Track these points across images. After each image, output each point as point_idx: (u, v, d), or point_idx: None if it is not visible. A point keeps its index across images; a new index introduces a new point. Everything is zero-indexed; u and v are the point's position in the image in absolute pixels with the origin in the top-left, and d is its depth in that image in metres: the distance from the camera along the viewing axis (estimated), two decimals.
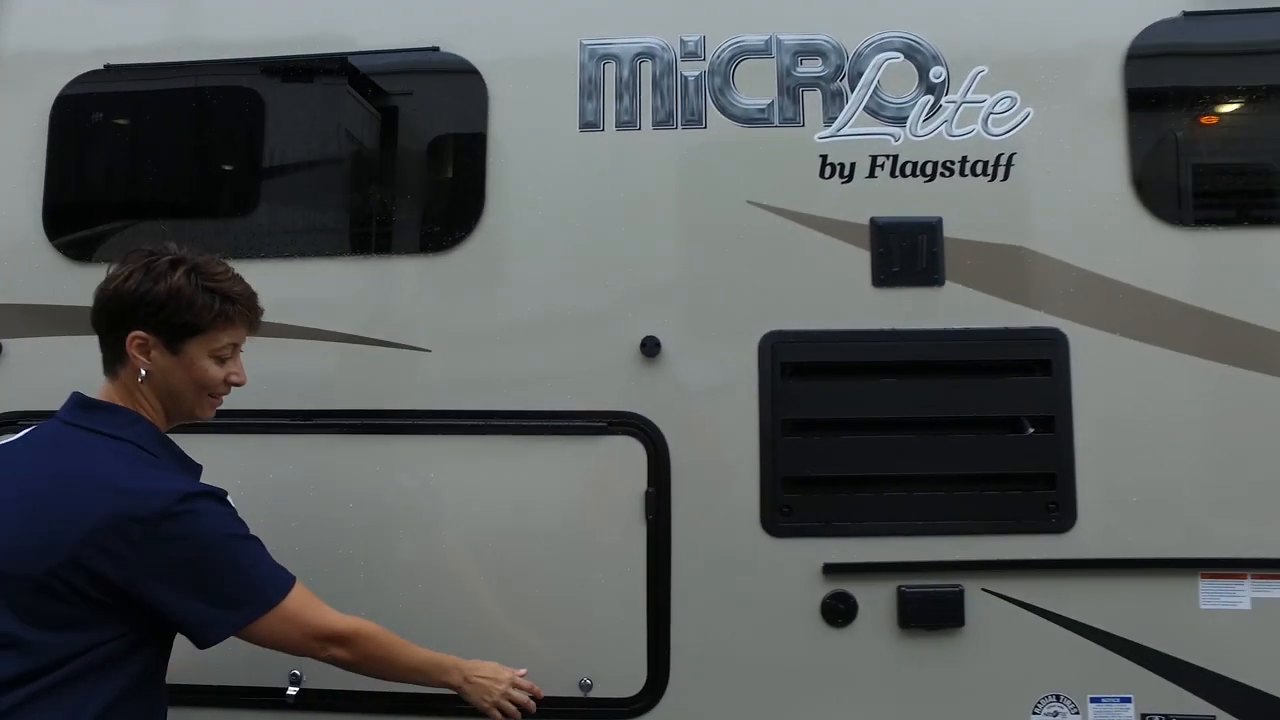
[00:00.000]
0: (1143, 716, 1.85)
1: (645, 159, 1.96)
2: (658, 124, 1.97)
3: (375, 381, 1.97)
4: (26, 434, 1.49)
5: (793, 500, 1.87)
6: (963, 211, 1.94)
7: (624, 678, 1.88)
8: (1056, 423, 1.89)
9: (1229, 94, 1.99)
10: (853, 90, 1.97)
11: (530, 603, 1.91)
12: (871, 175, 1.95)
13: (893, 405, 1.90)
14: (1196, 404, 1.91)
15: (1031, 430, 1.90)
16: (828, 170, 1.95)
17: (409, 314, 2.00)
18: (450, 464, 1.93)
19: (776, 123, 1.96)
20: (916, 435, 1.90)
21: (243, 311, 1.48)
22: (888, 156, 1.95)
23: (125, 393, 1.44)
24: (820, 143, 1.96)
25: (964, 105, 1.97)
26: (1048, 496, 1.88)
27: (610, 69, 1.99)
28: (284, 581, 1.44)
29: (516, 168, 1.99)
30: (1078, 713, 1.86)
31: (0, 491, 1.37)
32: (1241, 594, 1.87)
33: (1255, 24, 1.99)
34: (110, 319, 1.42)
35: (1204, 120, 1.99)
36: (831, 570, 1.86)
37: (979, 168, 1.95)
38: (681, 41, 2.00)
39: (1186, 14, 1.97)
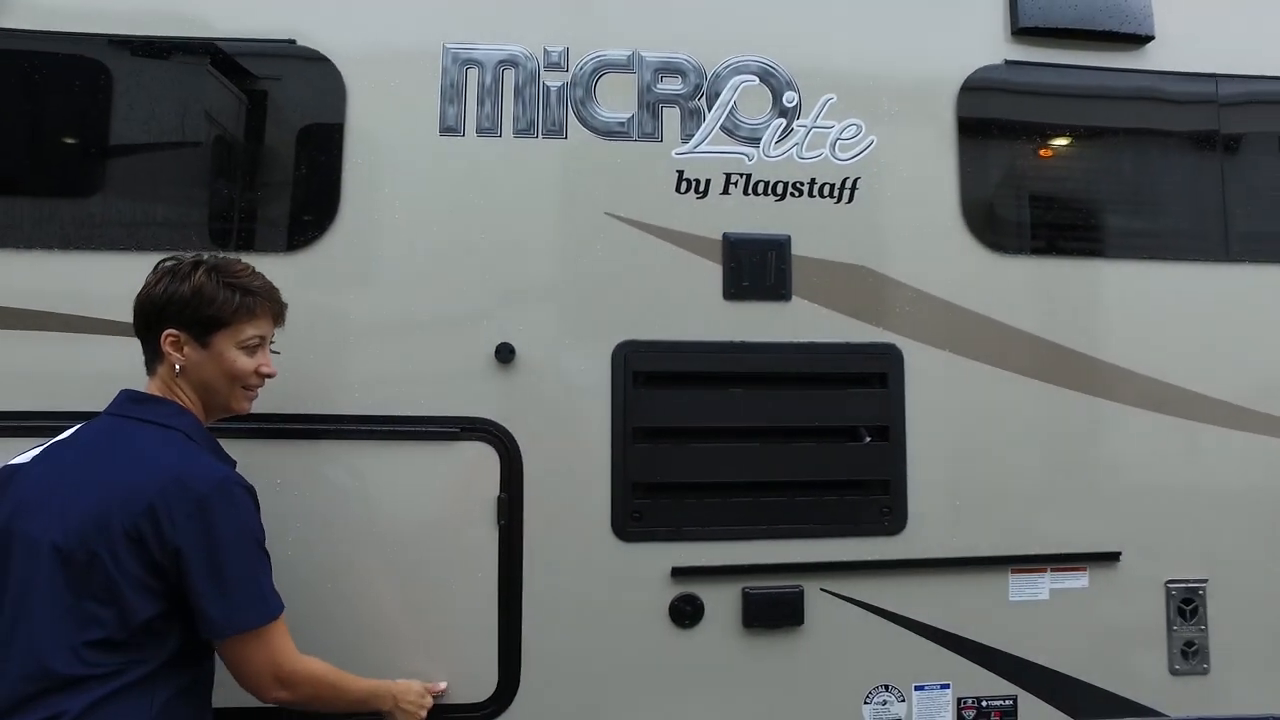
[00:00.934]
0: (959, 700, 2.01)
1: (505, 166, 1.97)
2: (519, 132, 1.98)
3: None
4: (76, 431, 1.56)
5: (643, 506, 1.92)
6: (810, 231, 2.05)
7: (474, 683, 1.88)
8: (891, 432, 2.02)
9: (1043, 134, 2.19)
10: (710, 109, 2.04)
11: (380, 609, 1.88)
12: (725, 192, 2.03)
13: (739, 414, 1.98)
14: (1013, 417, 2.08)
15: (869, 439, 2.02)
16: (684, 185, 2.01)
17: None
18: (296, 470, 1.87)
19: (635, 137, 2.01)
20: (762, 443, 1.99)
21: (263, 303, 1.62)
22: (741, 175, 2.04)
23: (165, 389, 1.57)
24: (678, 158, 2.02)
25: (814, 130, 2.08)
26: (882, 501, 2.01)
27: (473, 74, 1.99)
28: (278, 603, 1.51)
29: (374, 168, 1.95)
30: (904, 700, 2.00)
31: (62, 479, 1.45)
32: (1042, 586, 2.06)
33: (1067, 75, 2.19)
34: (145, 321, 1.57)
35: (1022, 157, 2.18)
36: (679, 574, 1.92)
37: (826, 189, 2.07)
38: (545, 51, 2.02)
39: (1009, 62, 2.16)
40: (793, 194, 2.05)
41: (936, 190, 2.11)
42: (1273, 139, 2.29)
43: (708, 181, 2.02)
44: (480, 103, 1.98)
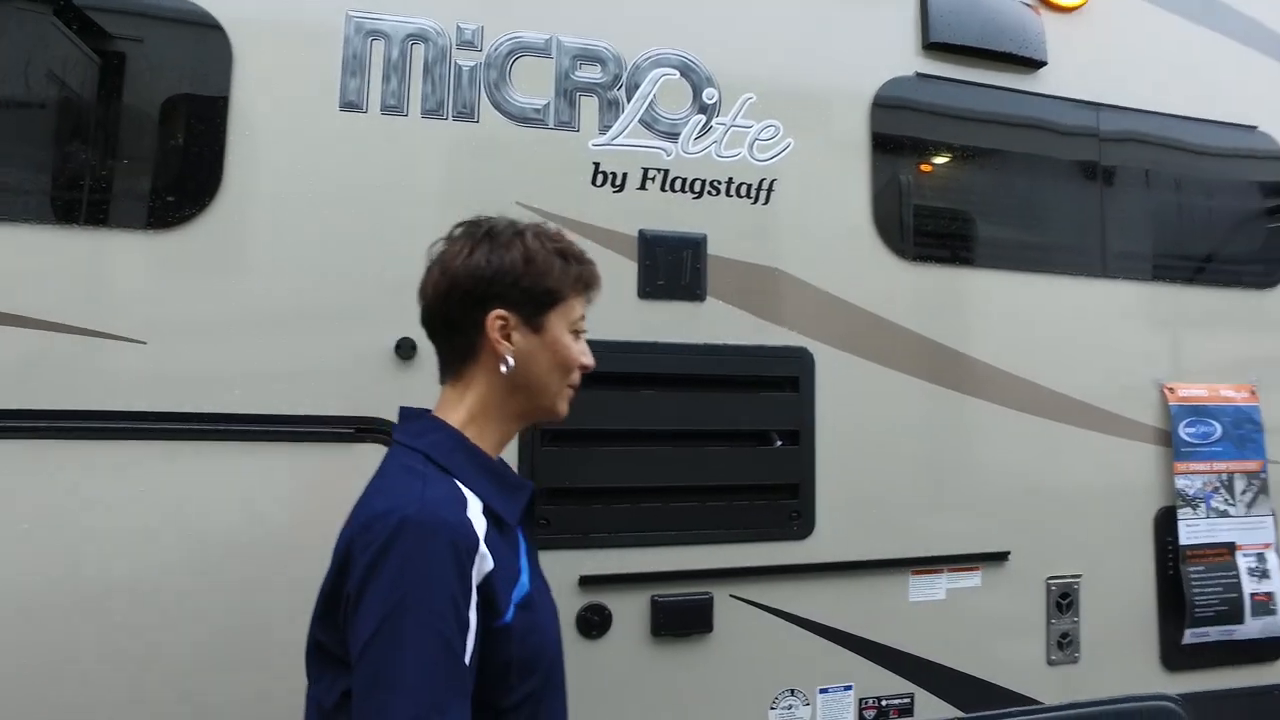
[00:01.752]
0: (860, 701, 2.04)
1: (411, 148, 1.83)
2: (427, 112, 1.85)
3: (75, 377, 1.65)
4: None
5: (550, 512, 1.84)
6: (726, 230, 2.02)
7: None
8: (801, 436, 2.02)
9: (948, 148, 2.26)
10: (629, 101, 1.98)
11: (263, 619, 1.71)
12: (642, 187, 1.97)
13: (650, 417, 1.93)
14: (916, 421, 2.14)
15: (779, 443, 2.02)
16: (600, 178, 1.94)
17: (121, 298, 1.70)
18: (167, 473, 1.67)
19: (551, 124, 1.92)
20: (672, 447, 1.95)
21: (594, 274, 1.31)
22: (659, 170, 1.98)
23: (471, 398, 1.22)
24: (594, 150, 1.95)
25: (733, 128, 2.05)
26: (791, 506, 2.01)
27: (378, 47, 1.84)
28: None
29: (263, 143, 1.77)
30: (809, 704, 2.01)
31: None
32: (940, 586, 2.12)
33: (973, 94, 2.26)
34: (462, 303, 1.19)
35: (925, 168, 2.24)
36: (587, 582, 1.86)
37: (743, 190, 2.05)
38: (458, 29, 1.89)
39: (919, 75, 2.22)
40: (710, 192, 2.02)
41: (850, 196, 2.14)
42: (1149, 165, 2.45)
43: (625, 175, 1.96)
44: (386, 78, 1.83)
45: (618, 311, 1.92)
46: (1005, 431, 2.20)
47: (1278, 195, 2.57)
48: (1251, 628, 2.35)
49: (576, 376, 1.29)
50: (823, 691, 2.01)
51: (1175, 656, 2.32)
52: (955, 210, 2.25)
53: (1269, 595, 2.37)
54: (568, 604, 1.84)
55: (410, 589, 1.00)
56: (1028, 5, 2.38)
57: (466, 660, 1.02)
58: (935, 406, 2.14)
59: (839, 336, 2.09)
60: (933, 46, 2.24)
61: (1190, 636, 2.31)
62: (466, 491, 1.13)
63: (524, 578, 1.19)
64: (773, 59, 2.11)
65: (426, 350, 1.75)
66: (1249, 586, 2.36)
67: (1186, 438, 2.36)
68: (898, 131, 2.19)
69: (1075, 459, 2.26)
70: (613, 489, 1.90)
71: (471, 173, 1.88)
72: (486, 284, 1.19)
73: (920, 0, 2.24)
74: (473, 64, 1.89)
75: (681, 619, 1.91)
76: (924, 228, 2.21)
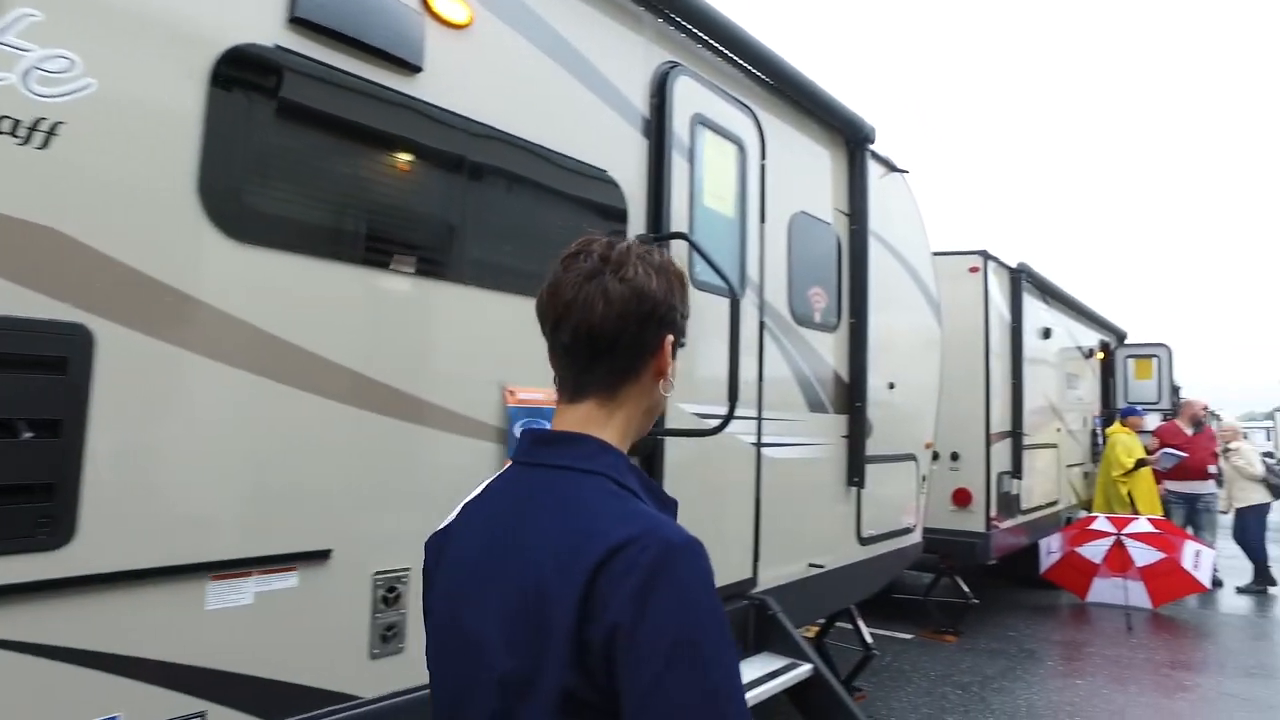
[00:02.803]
0: None
1: None
2: None
3: None
4: (488, 486, 1.19)
5: None
6: None
7: None
8: (64, 427, 1.71)
9: (295, 131, 2.16)
10: None
11: None
12: None
13: None
14: (232, 414, 1.98)
15: (30, 435, 1.68)
16: None
17: None
18: None
19: None
20: None
21: None
22: None
23: (620, 417, 1.15)
24: None
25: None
26: (42, 509, 1.68)
27: None
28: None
29: None
30: None
31: (478, 571, 1.08)
32: (247, 590, 2.00)
33: (338, 80, 2.21)
34: (649, 323, 1.12)
35: (269, 147, 2.11)
36: None
37: (7, 125, 1.66)
38: None
39: (280, 47, 2.09)
40: None
41: (172, 162, 1.89)
42: (507, 185, 2.69)
43: None
44: None
45: None
46: (339, 428, 2.18)
47: (616, 235, 3.07)
48: None
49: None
50: None
51: None
52: (301, 196, 2.16)
53: None
54: None
55: (701, 613, 0.93)
56: (413, 10, 2.43)
57: None
58: (258, 400, 2.02)
59: (140, 316, 1.83)
60: (301, 23, 2.13)
61: None
62: None
63: None
64: None
65: None
66: None
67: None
68: (243, 103, 2.03)
69: (411, 456, 2.36)
70: None
71: None
72: (670, 308, 1.16)
73: None
74: None
75: None
76: (261, 209, 2.07)
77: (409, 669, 2.33)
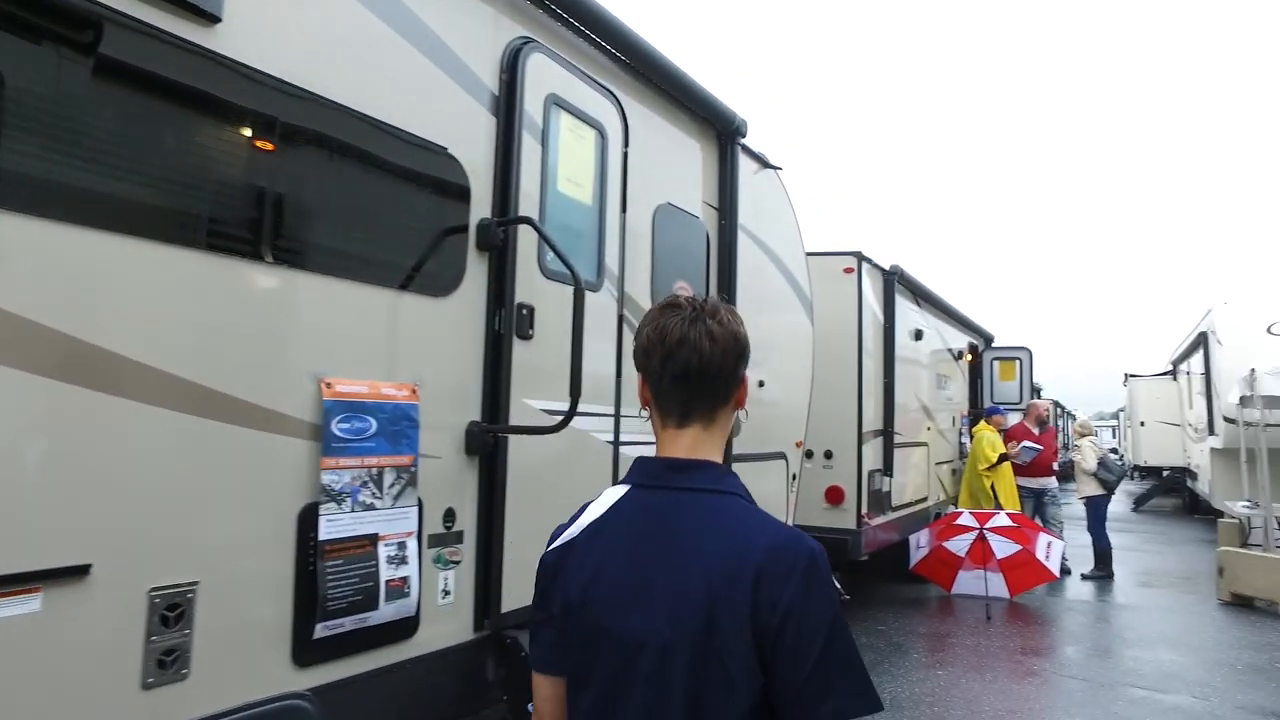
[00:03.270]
0: None
1: None
2: None
3: None
4: (614, 508, 1.36)
5: None
6: None
7: None
8: None
9: (71, 77, 1.84)
10: None
11: None
12: None
13: None
14: None
15: None
16: None
17: None
18: None
19: None
20: None
21: None
22: None
23: (720, 439, 1.40)
24: None
25: None
26: None
27: None
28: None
29: None
30: None
31: (639, 566, 1.28)
32: None
33: (116, 21, 1.91)
34: (741, 361, 1.39)
35: (35, 98, 1.77)
36: None
37: None
38: None
39: None
40: None
41: None
42: (326, 157, 2.44)
43: None
44: None
45: None
46: (106, 424, 1.88)
47: (457, 216, 2.86)
48: (386, 612, 2.50)
49: None
50: None
51: (308, 651, 2.31)
52: (75, 159, 1.84)
53: (404, 580, 2.56)
54: None
55: (835, 598, 1.25)
56: None
57: None
58: None
59: None
60: None
61: (322, 630, 2.32)
62: None
63: None
64: None
65: None
66: (386, 574, 2.50)
67: (339, 433, 2.40)
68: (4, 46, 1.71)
69: (200, 456, 2.07)
70: None
71: None
72: (749, 349, 1.40)
73: None
74: None
75: None
76: (24, 171, 1.75)
77: (196, 696, 2.05)
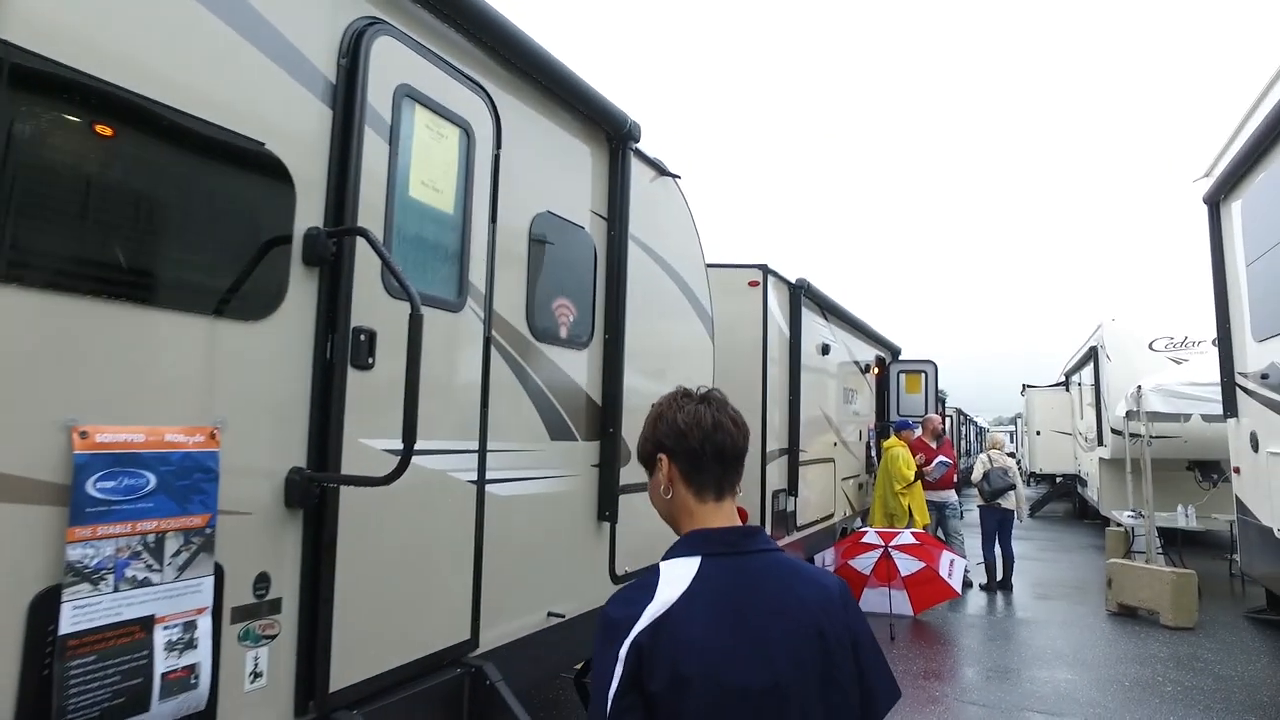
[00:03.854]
0: None
1: None
2: None
3: None
4: (689, 590, 1.43)
5: None
6: None
7: None
8: None
9: None
10: None
11: None
12: None
13: None
14: None
15: None
16: None
17: None
18: None
19: None
20: None
21: None
22: None
23: (736, 507, 1.60)
24: None
25: None
26: None
27: None
28: None
29: None
30: None
31: (741, 635, 1.40)
32: None
33: None
34: (746, 443, 1.61)
35: None
36: None
37: None
38: None
39: None
40: None
41: None
42: (90, 150, 1.95)
43: None
44: None
45: None
46: None
47: (276, 223, 2.40)
48: (162, 712, 2.02)
49: None
50: None
51: None
52: None
53: (190, 668, 2.08)
54: None
55: None
56: None
57: None
58: None
59: None
60: None
61: None
62: None
63: None
64: None
65: None
66: (164, 664, 2.03)
67: (98, 494, 1.91)
68: None
69: None
70: None
71: None
72: None
73: None
74: None
75: None
76: None
77: None
